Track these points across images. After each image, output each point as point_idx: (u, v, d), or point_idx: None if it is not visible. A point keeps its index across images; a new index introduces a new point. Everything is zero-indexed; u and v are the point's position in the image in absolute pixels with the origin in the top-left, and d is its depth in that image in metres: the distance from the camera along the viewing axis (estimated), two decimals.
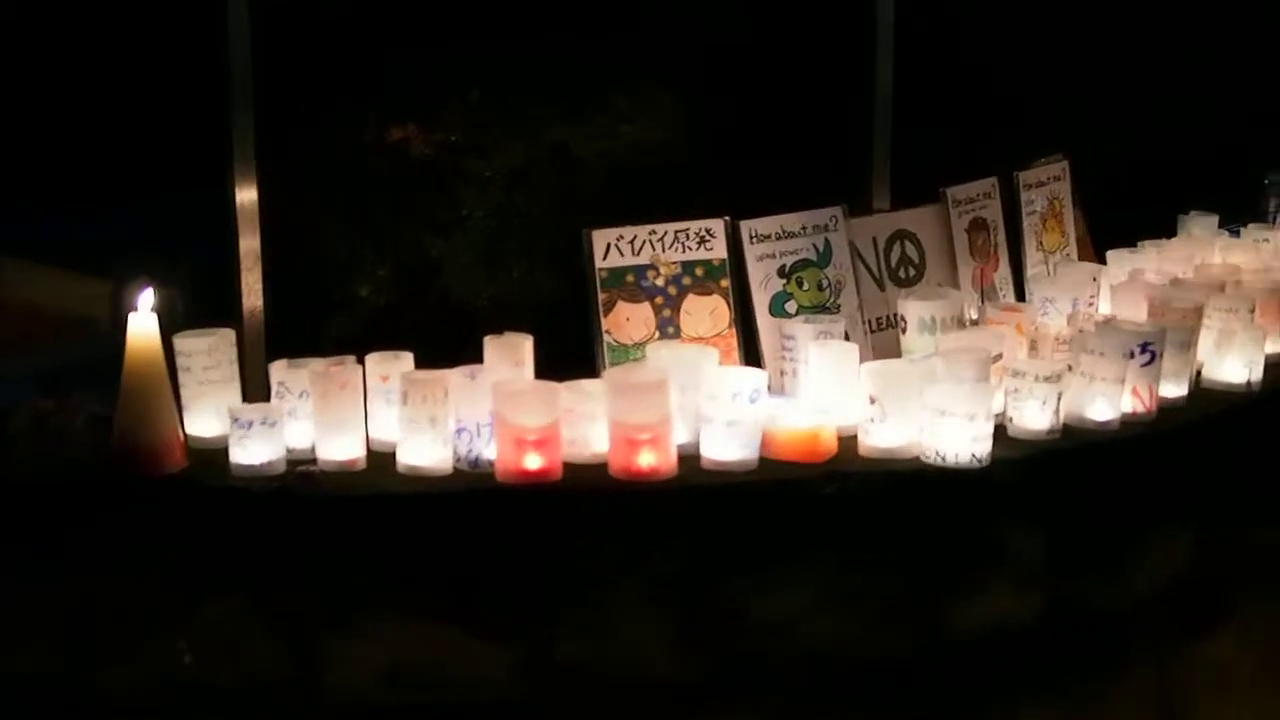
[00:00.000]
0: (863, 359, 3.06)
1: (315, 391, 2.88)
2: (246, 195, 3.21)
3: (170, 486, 2.79)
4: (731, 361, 3.32)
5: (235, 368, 3.04)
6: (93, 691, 2.73)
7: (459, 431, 2.87)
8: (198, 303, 3.30)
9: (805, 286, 3.42)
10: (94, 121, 3.43)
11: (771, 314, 3.38)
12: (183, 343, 2.99)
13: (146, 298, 2.83)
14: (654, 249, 3.31)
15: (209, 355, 2.99)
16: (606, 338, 3.28)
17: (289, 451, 2.91)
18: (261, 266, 3.24)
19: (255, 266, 3.25)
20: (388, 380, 2.94)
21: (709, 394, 2.88)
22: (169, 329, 2.94)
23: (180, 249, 3.54)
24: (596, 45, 3.43)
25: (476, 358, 3.01)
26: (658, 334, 3.31)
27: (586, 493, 2.80)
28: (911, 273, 3.65)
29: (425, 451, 2.84)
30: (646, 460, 2.83)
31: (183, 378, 2.99)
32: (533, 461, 2.80)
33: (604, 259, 3.29)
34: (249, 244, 3.24)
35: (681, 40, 3.54)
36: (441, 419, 2.84)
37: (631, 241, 3.31)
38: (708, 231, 3.35)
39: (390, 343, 3.08)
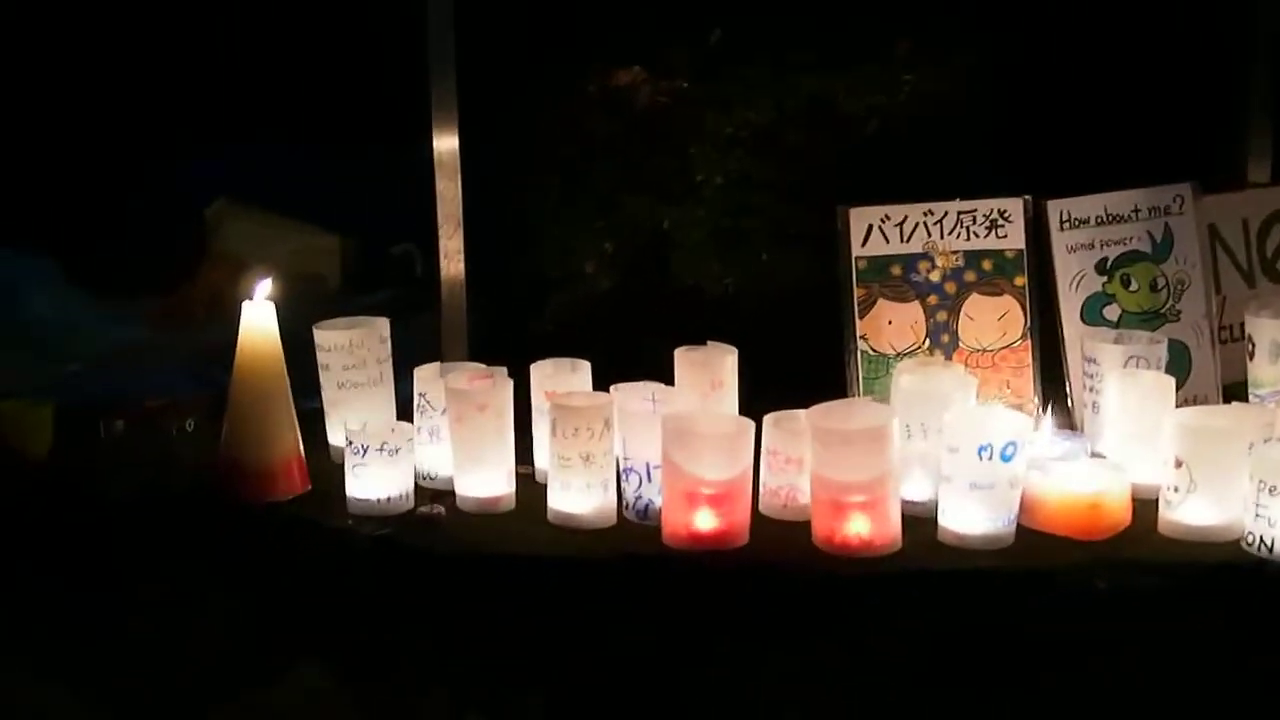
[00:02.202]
0: (1193, 387, 2.28)
1: (451, 413, 2.33)
2: (446, 145, 2.76)
3: (274, 517, 2.32)
4: (1024, 385, 2.58)
5: (386, 366, 2.54)
6: None
7: (626, 473, 2.26)
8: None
9: (1133, 287, 2.63)
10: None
11: (1084, 322, 2.63)
12: (321, 335, 2.51)
13: (264, 285, 2.35)
14: (930, 234, 2.61)
15: (350, 352, 2.49)
16: (861, 345, 2.59)
17: (429, 480, 2.39)
18: (464, 233, 2.77)
19: (456, 233, 2.77)
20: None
21: (948, 445, 2.18)
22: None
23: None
24: None
25: None
26: (928, 344, 2.60)
27: (770, 566, 2.15)
28: None
29: (578, 497, 2.26)
30: (856, 529, 2.16)
31: (322, 377, 2.51)
32: (705, 521, 2.17)
33: (863, 245, 2.60)
34: (448, 209, 2.78)
35: None
36: (599, 456, 2.24)
37: (900, 224, 2.61)
38: (1002, 214, 2.61)
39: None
